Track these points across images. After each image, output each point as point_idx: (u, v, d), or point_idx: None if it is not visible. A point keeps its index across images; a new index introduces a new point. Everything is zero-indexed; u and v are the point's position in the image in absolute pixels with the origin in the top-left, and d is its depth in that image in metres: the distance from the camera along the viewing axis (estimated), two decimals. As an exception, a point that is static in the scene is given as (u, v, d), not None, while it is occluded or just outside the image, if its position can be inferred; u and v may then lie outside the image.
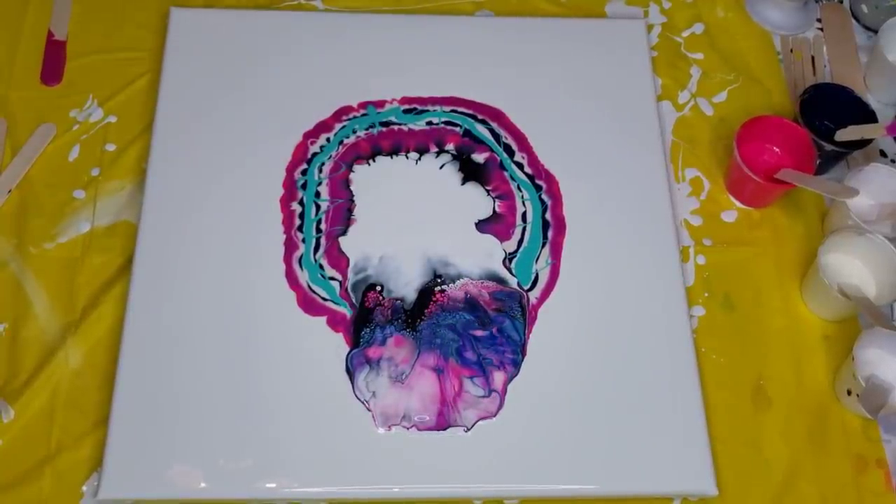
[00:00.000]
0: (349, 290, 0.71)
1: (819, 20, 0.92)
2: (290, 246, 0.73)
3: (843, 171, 0.79)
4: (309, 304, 0.70)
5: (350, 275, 0.72)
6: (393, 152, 0.78)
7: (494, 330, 0.70)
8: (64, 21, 0.84)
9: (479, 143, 0.79)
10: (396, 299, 0.71)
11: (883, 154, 0.84)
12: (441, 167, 0.77)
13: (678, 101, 0.85)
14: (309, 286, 0.71)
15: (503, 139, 0.79)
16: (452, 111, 0.80)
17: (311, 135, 0.78)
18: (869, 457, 0.69)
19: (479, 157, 0.78)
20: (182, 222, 0.73)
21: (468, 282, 0.72)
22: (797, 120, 0.78)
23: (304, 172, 0.76)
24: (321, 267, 0.72)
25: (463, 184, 0.77)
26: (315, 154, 0.77)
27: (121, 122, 0.79)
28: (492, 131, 0.79)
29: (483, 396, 0.67)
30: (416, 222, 0.74)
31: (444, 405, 0.67)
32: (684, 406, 0.68)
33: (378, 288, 0.71)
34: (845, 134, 0.77)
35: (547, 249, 0.74)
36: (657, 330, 0.71)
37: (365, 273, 0.72)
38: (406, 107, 0.80)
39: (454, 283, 0.72)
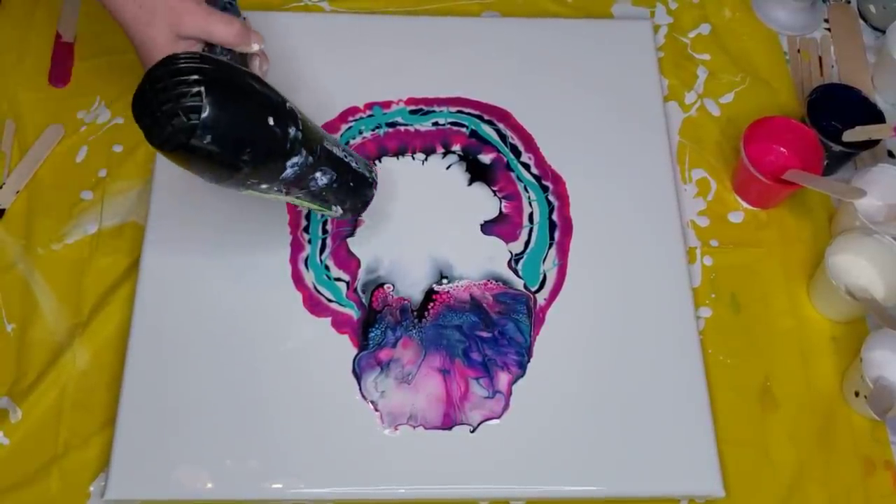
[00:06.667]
0: (359, 290, 0.71)
1: (826, 20, 0.91)
2: (296, 247, 0.73)
3: (851, 172, 0.79)
4: (315, 305, 0.70)
5: (361, 275, 0.72)
6: (399, 153, 0.78)
7: (496, 332, 0.70)
8: (72, 23, 0.84)
9: (486, 143, 0.79)
10: (403, 299, 0.71)
11: (891, 155, 0.83)
12: (448, 168, 0.77)
13: (685, 101, 0.85)
14: (315, 287, 0.71)
15: (510, 140, 0.79)
16: (459, 112, 0.80)
17: (318, 136, 0.78)
18: (877, 458, 0.69)
19: (486, 158, 0.78)
20: (189, 223, 0.73)
21: (473, 283, 0.72)
22: (804, 120, 0.78)
23: (310, 173, 0.76)
24: (327, 268, 0.72)
25: (469, 184, 0.77)
26: (321, 155, 0.77)
27: (128, 124, 0.79)
28: (498, 132, 0.79)
29: (488, 397, 0.67)
30: (422, 223, 0.74)
31: (450, 406, 0.67)
32: (691, 407, 0.68)
33: (388, 287, 0.71)
34: (853, 134, 0.77)
35: (554, 250, 0.74)
36: (664, 331, 0.71)
37: (376, 273, 0.72)
38: (412, 107, 0.80)
39: (459, 284, 0.72)
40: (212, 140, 0.51)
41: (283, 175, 0.57)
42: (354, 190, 0.64)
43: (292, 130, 0.56)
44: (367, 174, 0.65)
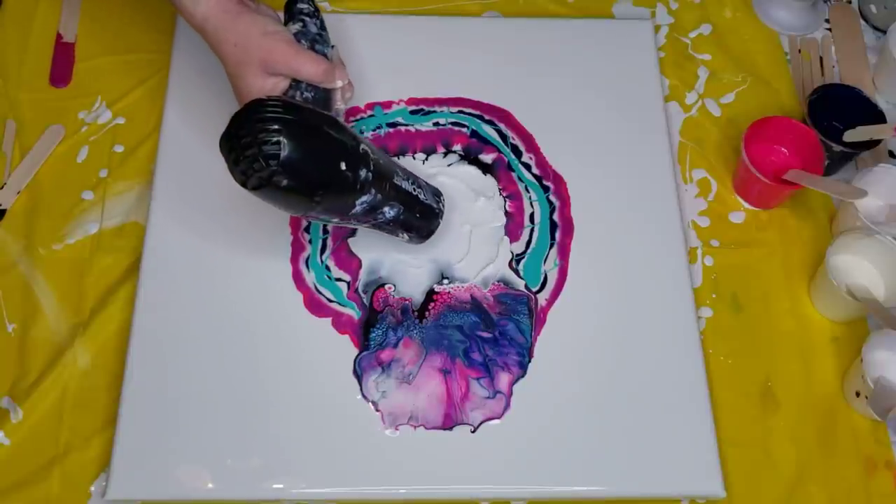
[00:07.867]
0: (360, 290, 0.71)
1: (827, 20, 0.91)
2: (297, 247, 0.73)
3: (852, 172, 0.79)
4: (315, 306, 0.70)
5: (362, 275, 0.72)
6: (400, 153, 0.78)
7: (497, 332, 0.70)
8: (73, 23, 0.84)
9: (487, 143, 0.79)
10: (404, 300, 0.71)
11: (892, 155, 0.83)
12: (449, 167, 0.77)
13: (686, 101, 0.85)
14: (315, 287, 0.71)
15: (510, 140, 0.79)
16: (459, 112, 0.80)
17: (319, 136, 0.78)
18: (878, 459, 0.69)
19: (487, 158, 0.78)
20: (190, 223, 0.73)
21: (473, 284, 0.72)
22: (805, 120, 0.78)
23: (311, 173, 0.76)
24: (328, 268, 0.72)
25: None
26: (322, 155, 0.77)
27: (129, 124, 0.79)
28: (499, 132, 0.79)
29: (488, 398, 0.67)
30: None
31: (451, 406, 0.67)
32: (692, 407, 0.68)
33: (389, 287, 0.71)
34: (854, 135, 0.77)
35: (555, 251, 0.74)
36: (665, 331, 0.71)
37: (377, 274, 0.72)
38: (413, 108, 0.80)
39: (461, 284, 0.72)
40: (288, 182, 0.56)
41: (353, 211, 0.62)
42: (420, 220, 0.68)
43: (363, 172, 0.60)
44: (435, 205, 0.69)
